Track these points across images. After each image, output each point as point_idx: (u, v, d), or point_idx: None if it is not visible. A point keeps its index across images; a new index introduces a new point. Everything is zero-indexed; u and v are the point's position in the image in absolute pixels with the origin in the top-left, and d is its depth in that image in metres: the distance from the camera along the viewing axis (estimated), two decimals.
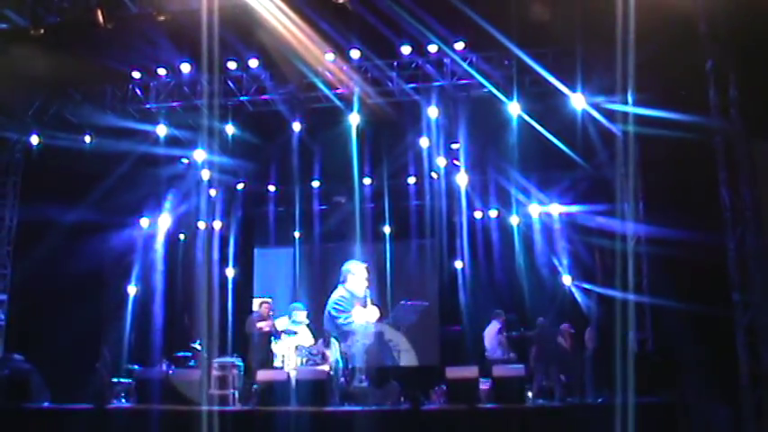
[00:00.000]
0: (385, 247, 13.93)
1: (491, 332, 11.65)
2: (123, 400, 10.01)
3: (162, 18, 9.70)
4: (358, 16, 9.80)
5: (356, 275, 9.44)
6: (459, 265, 13.59)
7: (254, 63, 11.60)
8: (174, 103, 12.30)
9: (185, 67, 11.71)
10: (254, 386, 9.34)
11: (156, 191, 13.43)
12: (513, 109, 11.44)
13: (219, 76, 11.61)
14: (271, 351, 10.61)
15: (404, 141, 12.89)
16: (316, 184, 14.20)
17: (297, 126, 12.60)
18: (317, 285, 13.55)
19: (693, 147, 9.58)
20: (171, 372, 9.90)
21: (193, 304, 12.24)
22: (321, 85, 11.73)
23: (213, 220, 13.96)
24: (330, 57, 11.15)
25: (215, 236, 13.84)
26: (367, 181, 13.69)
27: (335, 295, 9.41)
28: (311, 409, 8.52)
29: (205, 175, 13.10)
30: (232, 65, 11.69)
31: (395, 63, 11.59)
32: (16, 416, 9.15)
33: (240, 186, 14.54)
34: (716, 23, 9.28)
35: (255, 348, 10.85)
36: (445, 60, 11.43)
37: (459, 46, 11.08)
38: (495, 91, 11.37)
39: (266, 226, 14.89)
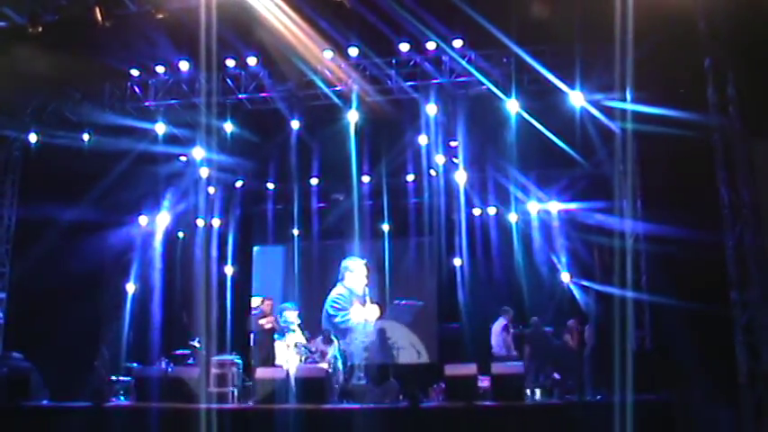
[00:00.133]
0: (383, 245, 13.87)
1: (496, 329, 11.64)
2: (122, 398, 10.03)
3: (160, 16, 9.70)
4: (356, 14, 9.79)
5: (355, 273, 9.46)
6: (457, 262, 13.56)
7: (252, 61, 11.60)
8: (173, 101, 12.28)
9: (184, 65, 11.70)
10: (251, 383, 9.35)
11: (155, 189, 13.44)
12: (512, 106, 11.43)
13: (218, 73, 11.60)
14: (273, 348, 10.61)
15: (402, 139, 12.86)
16: (314, 181, 14.16)
17: (295, 124, 12.58)
18: (316, 283, 13.54)
19: (692, 145, 9.57)
20: (171, 370, 9.92)
21: (192, 302, 12.21)
22: (320, 83, 11.72)
23: (212, 217, 13.95)
24: (329, 54, 11.14)
25: (214, 234, 13.84)
26: (366, 179, 13.66)
27: (334, 293, 9.44)
28: (310, 407, 8.53)
29: (204, 172, 13.11)
30: (230, 63, 11.67)
31: (393, 61, 11.57)
32: (15, 414, 9.17)
33: (239, 184, 14.51)
34: (715, 22, 9.27)
35: (257, 346, 10.84)
36: (444, 58, 11.42)
37: (458, 43, 11.07)
38: (493, 88, 11.35)
39: (265, 224, 14.84)
